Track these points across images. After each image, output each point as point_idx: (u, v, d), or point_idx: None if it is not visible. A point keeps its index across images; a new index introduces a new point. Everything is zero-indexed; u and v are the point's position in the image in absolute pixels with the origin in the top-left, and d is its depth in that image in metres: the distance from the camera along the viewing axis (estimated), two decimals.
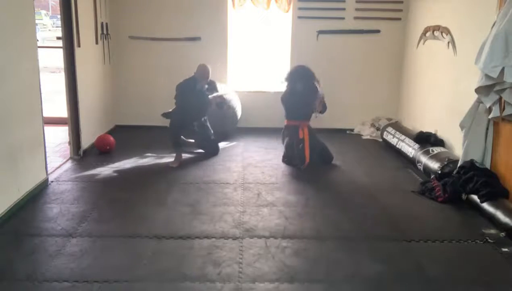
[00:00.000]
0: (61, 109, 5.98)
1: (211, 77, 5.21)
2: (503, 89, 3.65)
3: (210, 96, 5.30)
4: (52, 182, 4.35)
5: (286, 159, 5.11)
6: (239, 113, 6.17)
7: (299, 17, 6.30)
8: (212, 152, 5.33)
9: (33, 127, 4.05)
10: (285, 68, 6.46)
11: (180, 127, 5.12)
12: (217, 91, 5.54)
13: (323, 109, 5.14)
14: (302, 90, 4.96)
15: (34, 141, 4.05)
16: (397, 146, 5.44)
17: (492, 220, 3.57)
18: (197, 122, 5.26)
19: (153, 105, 6.17)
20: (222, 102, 5.38)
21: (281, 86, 6.61)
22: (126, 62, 6.43)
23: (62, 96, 5.26)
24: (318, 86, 5.04)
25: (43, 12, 25.47)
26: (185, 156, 5.16)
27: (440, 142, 4.96)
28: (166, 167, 4.86)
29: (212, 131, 5.39)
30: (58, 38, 5.34)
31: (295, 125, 5.01)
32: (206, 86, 5.21)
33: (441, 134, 5.08)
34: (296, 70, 5.19)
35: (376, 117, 6.57)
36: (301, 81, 5.00)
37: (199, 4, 6.26)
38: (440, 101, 5.18)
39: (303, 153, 4.91)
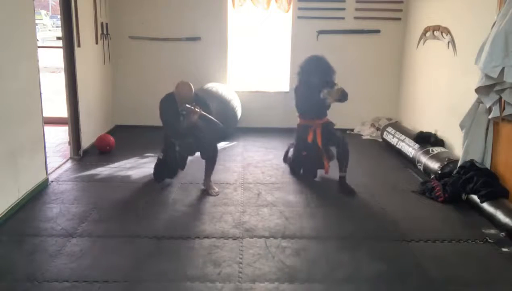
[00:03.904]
0: (61, 109, 5.98)
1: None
2: (503, 89, 3.65)
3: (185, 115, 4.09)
4: (52, 182, 4.35)
5: (293, 169, 4.73)
6: (239, 113, 6.17)
7: (299, 17, 6.30)
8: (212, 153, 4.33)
9: (33, 127, 4.04)
10: (285, 69, 6.48)
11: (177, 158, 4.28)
12: (210, 114, 4.20)
13: (342, 97, 4.26)
14: (318, 85, 4.27)
15: (34, 141, 4.05)
16: (397, 146, 5.44)
17: (492, 220, 3.57)
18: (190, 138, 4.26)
19: (153, 105, 6.13)
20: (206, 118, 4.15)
21: (281, 87, 6.67)
22: (126, 62, 6.43)
23: (62, 96, 5.26)
24: (336, 83, 4.37)
25: (43, 12, 25.51)
26: None
27: (440, 142, 4.96)
28: None
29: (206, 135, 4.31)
30: (58, 38, 5.34)
31: (305, 125, 4.50)
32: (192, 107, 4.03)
33: (441, 134, 5.08)
34: (310, 63, 4.45)
35: (376, 117, 6.57)
36: (316, 75, 4.33)
37: (199, 4, 6.26)
38: (440, 101, 5.18)
39: (312, 163, 4.54)
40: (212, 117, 4.21)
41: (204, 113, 4.09)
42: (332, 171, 4.54)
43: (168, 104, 4.17)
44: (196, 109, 3.99)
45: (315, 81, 4.31)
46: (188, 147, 4.29)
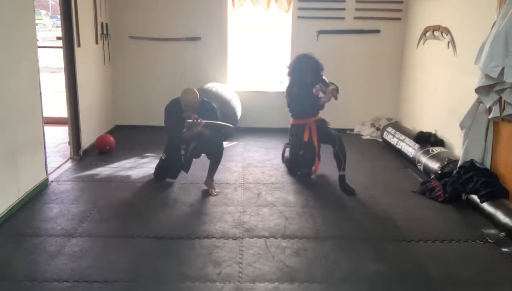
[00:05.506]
0: (61, 109, 5.98)
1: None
2: (503, 89, 3.65)
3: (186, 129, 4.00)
4: (52, 182, 4.35)
5: (290, 169, 4.69)
6: (239, 113, 6.17)
7: (299, 17, 6.30)
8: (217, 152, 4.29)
9: (33, 127, 4.04)
10: (286, 64, 6.45)
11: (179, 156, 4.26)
12: (217, 119, 4.20)
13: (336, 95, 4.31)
14: (310, 84, 4.30)
15: (34, 141, 4.05)
16: (397, 146, 5.44)
17: (492, 220, 3.57)
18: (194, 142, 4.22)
19: (153, 105, 6.17)
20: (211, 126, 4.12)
21: (281, 86, 6.66)
22: (126, 62, 6.43)
23: (62, 96, 5.27)
24: (326, 79, 4.43)
25: (43, 12, 25.50)
26: None
27: (440, 142, 4.96)
28: None
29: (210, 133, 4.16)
30: (58, 38, 5.34)
31: (300, 124, 4.48)
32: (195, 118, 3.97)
33: (441, 134, 5.08)
34: (300, 62, 4.45)
35: (376, 117, 6.57)
36: (307, 74, 4.36)
37: (199, 4, 6.26)
38: (440, 101, 5.18)
39: (309, 161, 4.56)
40: (219, 123, 4.19)
41: (210, 121, 4.05)
42: (331, 170, 4.54)
43: (172, 110, 4.11)
44: (198, 121, 3.93)
45: (307, 80, 4.34)
46: (193, 151, 4.29)
